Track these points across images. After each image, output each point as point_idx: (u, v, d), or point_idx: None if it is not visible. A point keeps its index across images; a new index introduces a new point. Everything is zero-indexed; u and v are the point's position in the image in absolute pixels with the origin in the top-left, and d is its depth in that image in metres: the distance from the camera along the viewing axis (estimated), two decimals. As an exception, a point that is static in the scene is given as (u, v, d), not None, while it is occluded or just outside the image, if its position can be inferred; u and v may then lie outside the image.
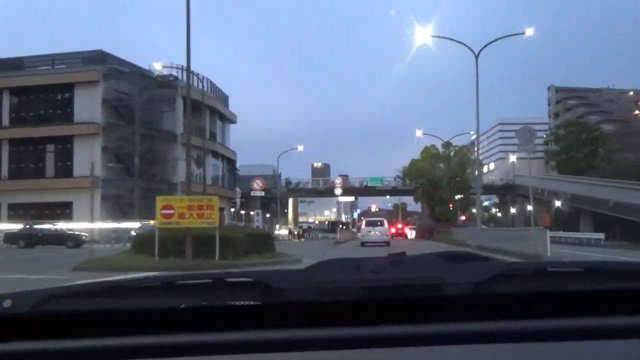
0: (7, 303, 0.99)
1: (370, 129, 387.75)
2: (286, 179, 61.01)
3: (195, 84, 49.13)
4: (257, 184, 24.20)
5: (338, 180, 37.87)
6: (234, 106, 60.71)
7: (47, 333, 0.95)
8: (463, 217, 55.58)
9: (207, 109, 48.98)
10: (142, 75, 42.69)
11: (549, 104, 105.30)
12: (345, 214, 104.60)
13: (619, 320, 0.94)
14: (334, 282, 1.04)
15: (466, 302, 1.01)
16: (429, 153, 48.11)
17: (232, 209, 49.98)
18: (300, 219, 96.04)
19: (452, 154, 47.36)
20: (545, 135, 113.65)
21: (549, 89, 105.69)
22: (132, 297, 1.07)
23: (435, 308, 0.98)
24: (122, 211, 40.99)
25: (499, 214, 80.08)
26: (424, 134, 45.33)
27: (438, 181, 46.23)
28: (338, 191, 37.32)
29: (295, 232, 47.09)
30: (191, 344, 0.91)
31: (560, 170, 53.88)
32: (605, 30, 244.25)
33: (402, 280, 1.04)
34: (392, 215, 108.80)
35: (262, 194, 24.79)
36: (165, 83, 44.49)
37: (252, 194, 23.74)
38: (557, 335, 0.90)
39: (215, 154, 50.41)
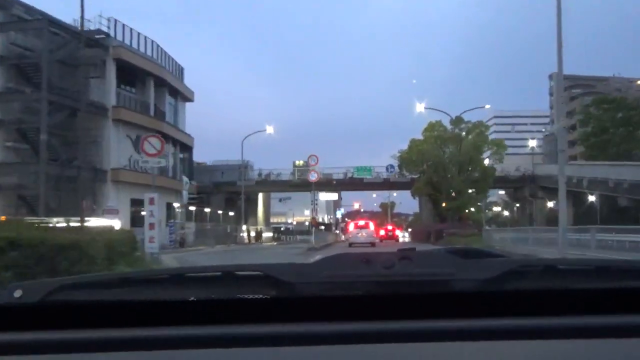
0: (17, 293, 1.00)
1: (359, 128, 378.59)
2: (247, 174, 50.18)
3: (137, 46, 39.20)
4: (151, 145, 13.29)
5: (312, 162, 27.41)
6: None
7: (57, 323, 0.96)
8: (459, 217, 46.34)
9: (152, 79, 38.84)
10: (58, 27, 32.37)
11: (551, 94, 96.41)
12: (328, 214, 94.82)
13: (629, 318, 0.94)
14: (344, 277, 1.04)
15: (476, 298, 1.00)
16: (434, 131, 37.77)
17: (188, 206, 39.62)
18: (277, 219, 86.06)
19: (463, 133, 37.10)
20: (543, 129, 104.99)
21: (550, 77, 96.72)
22: (142, 289, 1.08)
23: (445, 304, 0.98)
24: (29, 206, 30.85)
25: (506, 212, 70.16)
26: (426, 108, 35.18)
27: (446, 167, 36.08)
28: (313, 176, 27.18)
29: (253, 234, 36.96)
30: (200, 337, 0.91)
31: (591, 156, 44.41)
32: (606, 18, 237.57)
33: (412, 275, 1.04)
34: (378, 216, 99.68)
35: (161, 163, 14.49)
36: (91, 40, 34.11)
37: (141, 163, 13.48)
38: (566, 333, 0.90)
39: (164, 137, 40.17)
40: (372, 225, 35.02)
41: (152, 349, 0.89)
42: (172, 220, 31.98)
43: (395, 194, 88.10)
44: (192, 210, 39.24)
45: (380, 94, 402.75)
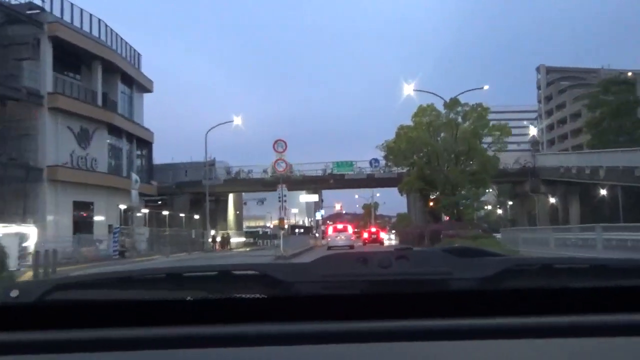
0: (14, 293, 1.01)
1: (342, 128, 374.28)
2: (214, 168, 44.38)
3: (80, 25, 34.04)
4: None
5: (280, 148, 21.85)
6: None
7: (53, 323, 0.97)
8: (446, 217, 41.81)
9: (99, 63, 33.66)
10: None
11: (539, 87, 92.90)
12: (308, 216, 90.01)
13: (625, 317, 0.95)
14: (341, 276, 1.05)
15: (473, 297, 1.01)
16: (425, 116, 32.35)
17: (140, 208, 34.37)
18: (256, 223, 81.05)
19: (459, 118, 31.97)
20: (532, 125, 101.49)
21: (538, 69, 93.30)
22: (138, 289, 1.09)
23: (442, 303, 0.99)
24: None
25: (500, 211, 65.92)
26: (415, 90, 30.38)
27: (440, 158, 31.29)
28: (281, 166, 22.08)
29: (219, 239, 32.27)
30: (197, 336, 0.92)
31: (599, 145, 40.10)
32: (596, 11, 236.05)
33: (409, 274, 1.05)
34: (361, 218, 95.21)
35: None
36: (22, 15, 28.94)
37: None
38: (563, 332, 0.91)
39: (116, 130, 35.07)
40: (350, 228, 37.30)
41: (149, 348, 0.89)
42: (117, 227, 26.94)
43: (378, 194, 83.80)
44: (145, 214, 34.11)
45: (363, 92, 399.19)
